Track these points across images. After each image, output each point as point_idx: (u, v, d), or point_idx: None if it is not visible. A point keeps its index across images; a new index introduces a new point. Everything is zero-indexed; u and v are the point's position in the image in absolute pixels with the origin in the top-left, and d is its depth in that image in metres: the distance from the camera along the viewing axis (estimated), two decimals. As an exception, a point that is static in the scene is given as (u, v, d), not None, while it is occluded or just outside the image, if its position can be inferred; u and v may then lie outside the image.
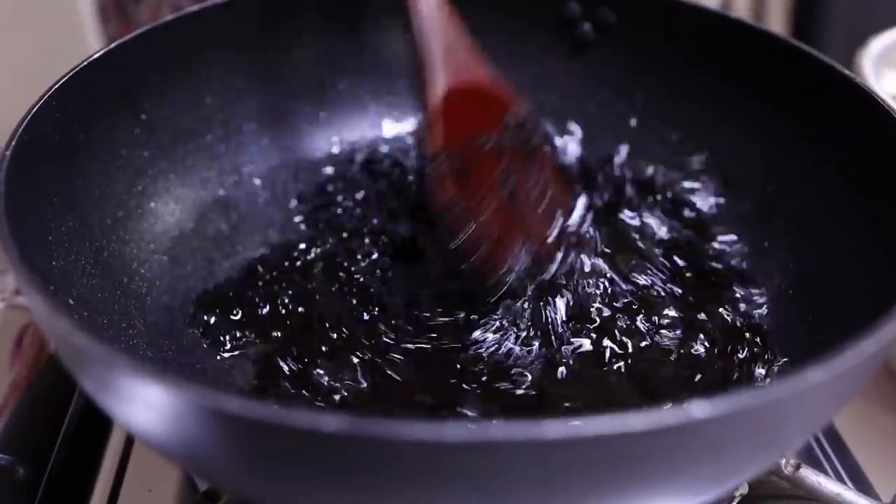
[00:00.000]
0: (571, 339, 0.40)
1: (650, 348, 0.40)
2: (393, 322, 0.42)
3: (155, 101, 0.45)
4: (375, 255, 0.45)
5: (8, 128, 0.35)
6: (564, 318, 0.41)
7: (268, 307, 0.42)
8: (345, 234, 0.47)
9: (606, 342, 0.40)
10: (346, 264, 0.45)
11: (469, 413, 0.36)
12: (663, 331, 0.41)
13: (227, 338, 0.41)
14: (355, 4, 0.51)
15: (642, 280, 0.44)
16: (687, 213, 0.48)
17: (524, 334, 0.40)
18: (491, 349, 0.40)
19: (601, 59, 0.52)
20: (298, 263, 0.45)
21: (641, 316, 0.41)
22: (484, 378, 0.38)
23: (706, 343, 0.41)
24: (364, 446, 0.23)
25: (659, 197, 0.49)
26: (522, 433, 0.22)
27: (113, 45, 0.42)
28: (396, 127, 0.54)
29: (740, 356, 0.40)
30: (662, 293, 0.43)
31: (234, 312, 0.42)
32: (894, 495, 0.39)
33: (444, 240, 0.41)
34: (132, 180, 0.44)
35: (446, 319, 0.42)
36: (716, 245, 0.47)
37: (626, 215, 0.48)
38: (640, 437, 0.23)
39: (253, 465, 0.27)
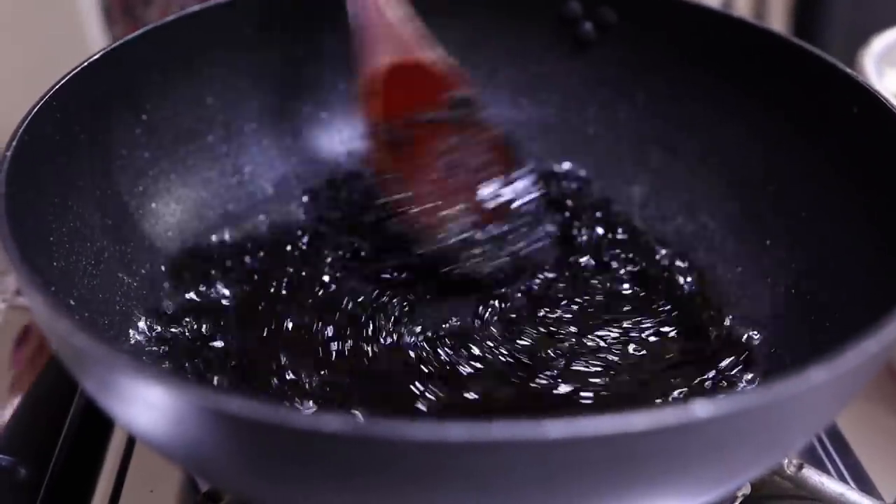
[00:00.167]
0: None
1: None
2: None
3: (156, 101, 0.45)
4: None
5: (9, 128, 0.35)
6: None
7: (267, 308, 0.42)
8: (347, 235, 0.47)
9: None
10: (348, 266, 0.45)
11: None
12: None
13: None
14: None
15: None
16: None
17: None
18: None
19: (602, 58, 0.52)
20: (299, 264, 0.45)
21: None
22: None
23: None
24: (366, 446, 0.23)
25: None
26: (525, 433, 0.22)
27: (114, 45, 0.42)
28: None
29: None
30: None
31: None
32: (897, 495, 0.39)
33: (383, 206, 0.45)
34: (133, 181, 0.44)
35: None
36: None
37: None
38: (642, 437, 0.23)
39: (254, 466, 0.27)
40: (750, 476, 0.33)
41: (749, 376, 0.40)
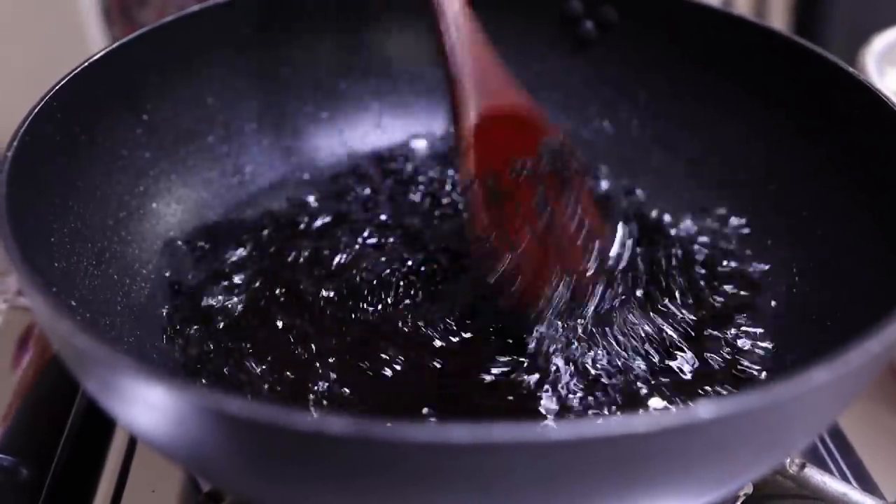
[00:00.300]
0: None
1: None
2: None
3: (156, 101, 0.45)
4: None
5: (9, 129, 0.35)
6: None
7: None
8: (348, 237, 0.47)
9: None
10: (349, 266, 0.45)
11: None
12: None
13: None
14: (356, 4, 0.51)
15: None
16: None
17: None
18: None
19: (603, 57, 0.52)
20: (301, 265, 0.45)
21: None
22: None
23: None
24: (367, 448, 0.23)
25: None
26: (527, 434, 0.22)
27: (113, 46, 0.42)
28: (399, 126, 0.54)
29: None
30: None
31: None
32: (899, 494, 0.39)
33: (480, 270, 0.40)
34: (134, 181, 0.44)
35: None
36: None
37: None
38: (644, 438, 0.23)
39: (256, 467, 0.27)
40: (752, 476, 0.33)
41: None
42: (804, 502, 0.39)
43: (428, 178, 0.51)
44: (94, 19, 0.69)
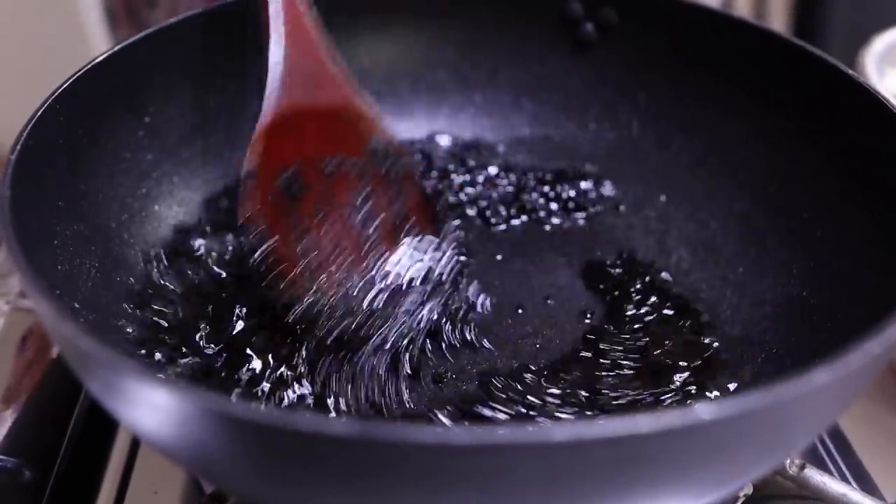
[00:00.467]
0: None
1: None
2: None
3: (159, 103, 0.45)
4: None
5: (12, 131, 0.35)
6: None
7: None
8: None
9: None
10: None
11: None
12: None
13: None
14: (353, 6, 0.51)
15: None
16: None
17: None
18: None
19: (603, 59, 0.52)
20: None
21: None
22: None
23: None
24: (370, 449, 0.23)
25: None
26: (529, 436, 0.22)
27: (116, 48, 0.42)
28: (399, 127, 0.54)
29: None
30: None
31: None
32: (899, 495, 0.39)
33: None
34: (136, 183, 0.44)
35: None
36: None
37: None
38: (645, 439, 0.23)
39: (259, 468, 0.27)
40: (752, 477, 0.33)
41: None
42: (804, 503, 0.39)
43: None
44: (95, 20, 0.69)
